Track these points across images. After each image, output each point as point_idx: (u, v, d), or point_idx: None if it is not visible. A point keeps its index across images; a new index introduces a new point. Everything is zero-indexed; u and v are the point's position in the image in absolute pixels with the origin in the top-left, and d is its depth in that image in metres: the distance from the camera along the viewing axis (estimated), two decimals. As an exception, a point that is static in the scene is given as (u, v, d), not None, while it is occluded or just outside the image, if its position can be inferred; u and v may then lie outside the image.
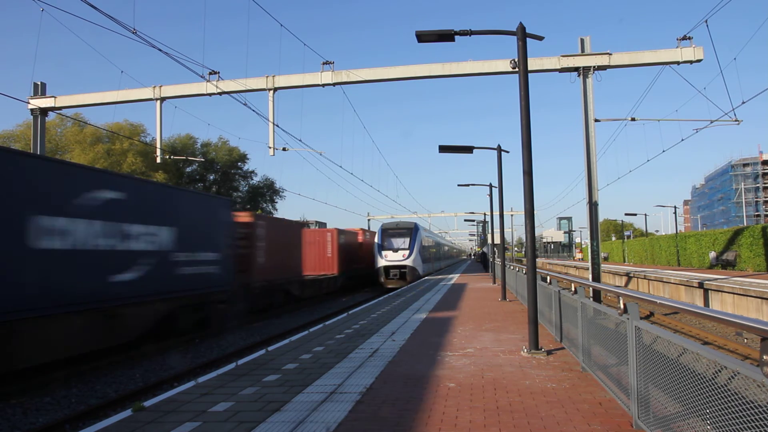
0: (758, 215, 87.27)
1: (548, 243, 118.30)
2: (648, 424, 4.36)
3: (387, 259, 33.72)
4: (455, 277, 35.20)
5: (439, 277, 37.46)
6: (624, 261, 57.84)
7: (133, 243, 12.14)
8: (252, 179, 62.18)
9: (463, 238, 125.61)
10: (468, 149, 16.51)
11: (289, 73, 18.79)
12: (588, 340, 6.74)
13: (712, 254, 32.46)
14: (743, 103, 15.95)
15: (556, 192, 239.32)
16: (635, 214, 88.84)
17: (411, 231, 34.80)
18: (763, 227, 27.82)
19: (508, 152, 22.23)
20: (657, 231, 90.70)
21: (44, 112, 21.03)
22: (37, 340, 9.76)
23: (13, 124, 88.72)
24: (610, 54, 16.52)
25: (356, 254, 35.35)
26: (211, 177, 59.91)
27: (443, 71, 17.81)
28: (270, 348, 9.59)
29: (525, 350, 8.51)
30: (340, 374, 7.30)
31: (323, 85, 18.50)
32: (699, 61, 15.91)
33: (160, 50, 12.44)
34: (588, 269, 16.67)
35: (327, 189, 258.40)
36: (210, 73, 18.18)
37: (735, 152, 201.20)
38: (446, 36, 9.26)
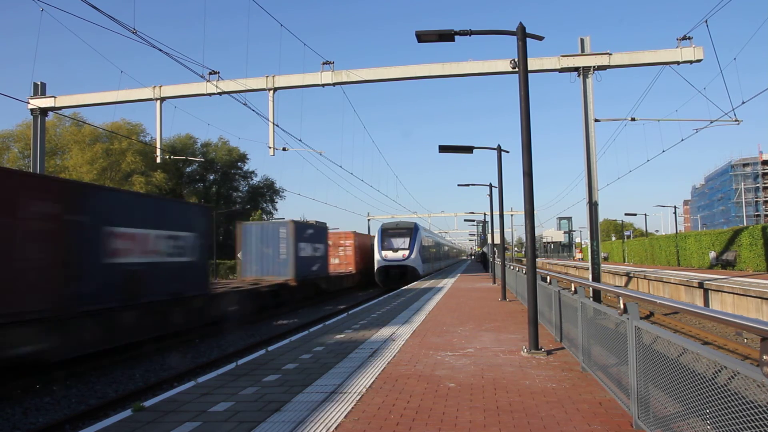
0: (758, 215, 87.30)
1: (548, 243, 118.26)
2: (648, 424, 4.36)
3: (387, 259, 33.70)
4: (455, 277, 35.20)
5: (439, 277, 37.46)
6: (624, 261, 57.85)
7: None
8: (252, 179, 62.28)
9: (463, 238, 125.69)
10: (468, 149, 16.52)
11: (289, 73, 18.81)
12: (588, 340, 6.74)
13: (712, 254, 32.47)
14: (743, 103, 15.97)
15: (556, 192, 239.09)
16: (635, 214, 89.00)
17: (411, 231, 34.78)
18: (763, 227, 27.83)
19: (508, 152, 22.24)
20: (657, 231, 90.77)
21: (44, 112, 21.04)
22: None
23: (13, 124, 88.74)
24: (610, 54, 16.52)
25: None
26: (211, 177, 59.95)
27: (443, 71, 17.82)
28: (270, 348, 9.59)
29: (525, 350, 8.51)
30: (340, 374, 7.30)
31: (323, 85, 18.51)
32: (699, 61, 15.91)
33: (160, 50, 12.45)
34: (588, 269, 16.67)
35: (327, 189, 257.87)
36: (210, 73, 18.18)
37: (735, 152, 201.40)
38: (446, 36, 9.26)
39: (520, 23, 8.88)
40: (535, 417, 5.22)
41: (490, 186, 24.58)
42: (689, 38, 15.99)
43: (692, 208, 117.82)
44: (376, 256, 34.25)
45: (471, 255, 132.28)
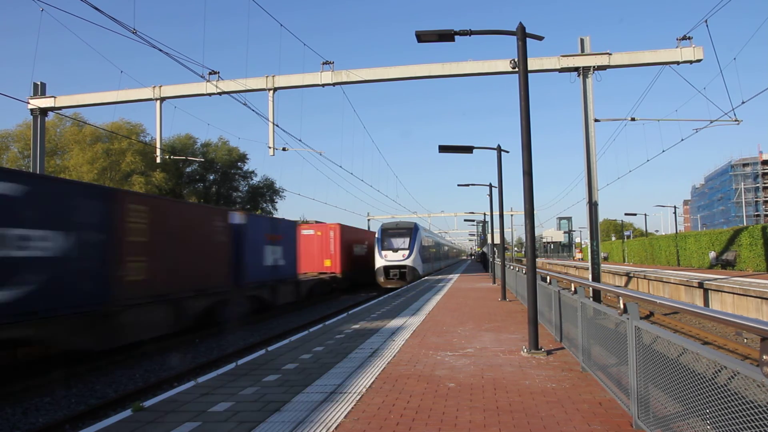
0: (758, 215, 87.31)
1: (548, 243, 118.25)
2: (648, 424, 4.36)
3: (387, 259, 33.71)
4: (455, 277, 35.21)
5: (439, 277, 37.46)
6: (624, 261, 57.85)
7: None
8: (252, 179, 62.25)
9: (463, 238, 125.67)
10: (468, 149, 16.51)
11: (289, 73, 18.81)
12: (588, 340, 6.74)
13: (712, 254, 32.48)
14: (743, 103, 15.97)
15: (556, 192, 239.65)
16: (635, 214, 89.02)
17: (411, 231, 34.78)
18: (763, 227, 27.83)
19: (508, 152, 22.22)
20: (657, 231, 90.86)
21: (44, 112, 21.05)
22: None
23: (13, 124, 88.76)
24: (610, 54, 16.53)
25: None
26: (211, 177, 59.93)
27: (443, 71, 17.82)
28: (270, 348, 9.59)
29: (525, 350, 8.51)
30: (340, 374, 7.30)
31: (323, 85, 18.51)
32: (699, 61, 15.92)
33: (160, 50, 12.45)
34: (588, 269, 16.67)
35: (327, 189, 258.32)
36: (210, 73, 18.18)
37: (735, 152, 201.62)
38: (446, 36, 9.26)
39: (520, 23, 8.88)
40: (535, 417, 5.22)
41: (490, 186, 24.58)
42: (689, 38, 15.99)
43: (692, 208, 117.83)
44: (376, 256, 34.29)
45: (471, 255, 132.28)
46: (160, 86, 19.62)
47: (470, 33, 9.14)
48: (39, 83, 20.78)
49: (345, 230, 32.23)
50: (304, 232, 29.70)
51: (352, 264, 33.29)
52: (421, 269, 35.00)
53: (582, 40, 16.72)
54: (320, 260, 30.45)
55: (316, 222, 32.81)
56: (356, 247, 35.46)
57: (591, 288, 9.65)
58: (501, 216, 21.38)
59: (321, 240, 30.72)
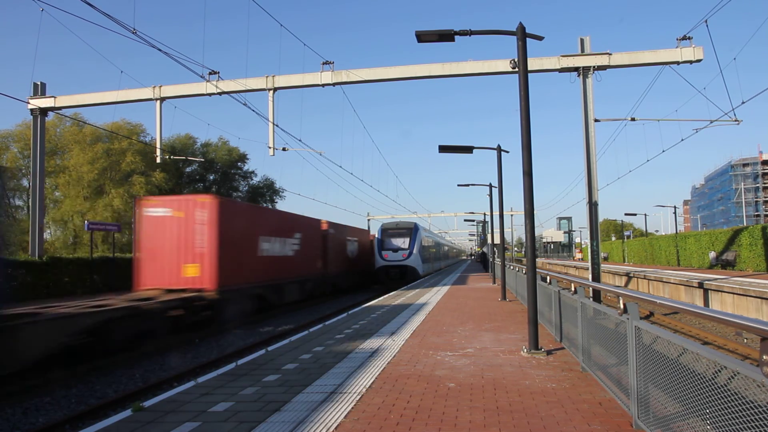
0: (758, 215, 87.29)
1: (548, 243, 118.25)
2: (648, 424, 4.36)
3: (387, 259, 33.72)
4: (455, 277, 35.22)
5: (439, 277, 37.47)
6: (624, 261, 57.85)
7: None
8: (252, 179, 62.26)
9: (463, 238, 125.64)
10: (468, 149, 16.51)
11: (289, 73, 18.83)
12: (588, 340, 6.74)
13: (712, 254, 32.47)
14: (743, 103, 15.98)
15: (556, 192, 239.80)
16: (635, 214, 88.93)
17: (411, 231, 34.79)
18: (763, 227, 27.83)
19: (508, 152, 22.17)
20: (657, 231, 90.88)
21: (44, 112, 21.06)
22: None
23: (13, 124, 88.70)
24: (610, 54, 16.54)
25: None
26: (211, 177, 59.93)
27: (443, 71, 17.84)
28: (270, 348, 9.59)
29: (525, 350, 8.51)
30: (340, 374, 7.30)
31: (323, 85, 18.54)
32: (699, 61, 15.93)
33: (160, 50, 12.46)
34: (588, 269, 16.68)
35: (327, 189, 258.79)
36: (210, 73, 18.21)
37: (735, 152, 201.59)
38: (446, 36, 9.26)
39: (520, 23, 8.88)
40: (535, 417, 5.23)
41: (490, 186, 24.58)
42: (689, 38, 16.01)
43: (692, 208, 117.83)
44: (376, 256, 34.30)
45: (471, 255, 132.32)
46: (160, 86, 19.64)
47: (470, 33, 9.15)
48: (39, 83, 20.80)
49: (232, 209, 17.82)
50: (150, 211, 16.42)
51: (252, 271, 18.47)
52: (421, 269, 35.01)
53: (582, 40, 16.74)
54: (177, 265, 16.06)
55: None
56: (267, 243, 19.79)
57: (591, 288, 9.65)
58: (501, 216, 21.38)
59: (182, 227, 16.16)
